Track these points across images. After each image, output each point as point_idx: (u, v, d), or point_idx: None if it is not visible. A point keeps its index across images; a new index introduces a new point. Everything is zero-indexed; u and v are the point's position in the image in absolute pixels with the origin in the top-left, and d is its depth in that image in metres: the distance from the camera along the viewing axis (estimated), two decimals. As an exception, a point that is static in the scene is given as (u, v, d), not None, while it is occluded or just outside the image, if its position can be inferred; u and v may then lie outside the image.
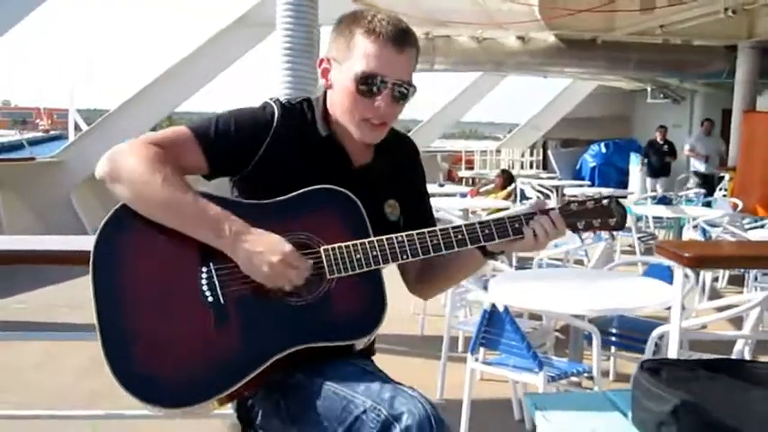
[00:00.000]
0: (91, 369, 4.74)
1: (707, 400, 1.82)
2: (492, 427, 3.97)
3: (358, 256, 1.71)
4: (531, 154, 20.87)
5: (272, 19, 10.33)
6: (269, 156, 1.79)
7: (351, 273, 1.71)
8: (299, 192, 1.75)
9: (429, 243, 1.75)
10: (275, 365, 1.67)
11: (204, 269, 1.68)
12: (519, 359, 3.42)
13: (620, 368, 4.68)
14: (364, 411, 1.58)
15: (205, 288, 1.67)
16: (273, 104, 1.85)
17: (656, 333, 3.44)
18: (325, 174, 1.81)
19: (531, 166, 20.42)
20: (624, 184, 17.45)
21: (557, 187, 12.78)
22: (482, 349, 3.70)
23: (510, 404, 4.14)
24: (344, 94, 1.79)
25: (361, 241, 1.73)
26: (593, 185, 16.47)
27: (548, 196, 11.40)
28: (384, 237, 1.74)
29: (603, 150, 19.71)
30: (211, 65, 10.75)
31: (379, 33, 1.75)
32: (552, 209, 1.83)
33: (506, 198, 9.77)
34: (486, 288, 3.85)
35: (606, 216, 1.84)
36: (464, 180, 16.72)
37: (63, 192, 10.11)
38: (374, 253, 1.72)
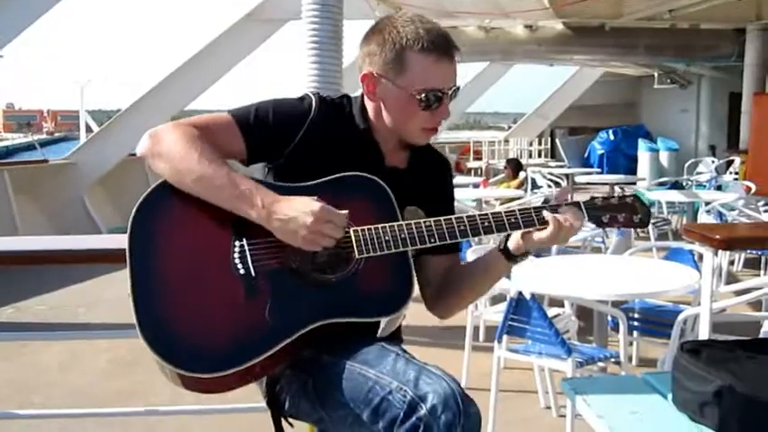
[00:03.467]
0: (115, 369, 4.78)
1: (748, 380, 1.83)
2: (518, 414, 3.98)
3: (387, 237, 1.74)
4: (540, 143, 20.84)
5: (281, 15, 10.46)
6: (305, 143, 1.84)
7: (379, 253, 1.74)
8: (331, 177, 1.80)
9: (456, 228, 1.79)
10: (300, 341, 1.69)
11: (237, 243, 1.72)
12: (546, 346, 3.43)
13: (642, 353, 4.68)
14: (390, 392, 1.59)
15: (237, 261, 1.70)
16: (312, 96, 1.90)
17: (682, 317, 3.43)
18: (358, 166, 1.85)
19: (540, 155, 20.40)
20: (633, 171, 17.43)
21: (566, 175, 12.77)
22: (505, 337, 3.71)
23: (534, 392, 4.15)
24: (402, 109, 1.85)
25: (390, 224, 1.76)
26: (601, 173, 16.45)
27: (558, 184, 11.40)
28: (413, 221, 1.78)
29: (611, 137, 19.69)
30: (220, 62, 10.74)
31: (432, 48, 1.80)
32: (576, 202, 1.87)
33: (519, 187, 9.74)
34: (508, 276, 3.85)
35: (630, 212, 1.89)
36: (473, 171, 16.70)
37: (76, 193, 10.15)
38: (402, 236, 1.75)
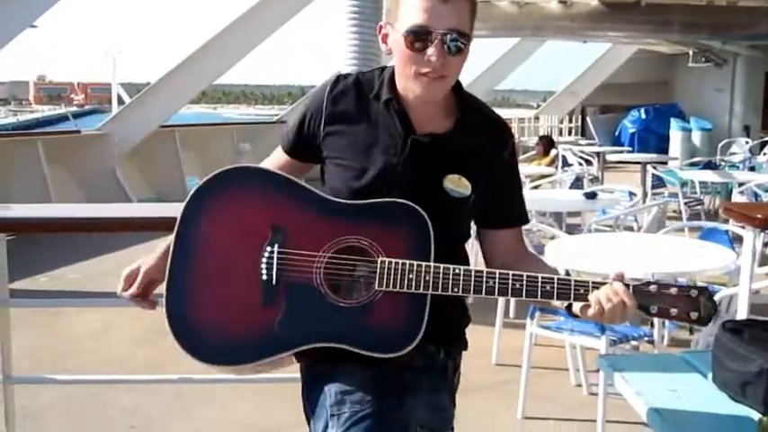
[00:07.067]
0: (146, 336, 4.82)
1: (791, 360, 1.80)
2: (549, 391, 3.97)
3: (411, 276, 1.70)
4: (570, 121, 20.65)
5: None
6: (330, 126, 1.85)
7: (398, 290, 1.70)
8: (378, 200, 1.76)
9: (484, 284, 1.71)
10: (305, 354, 1.75)
11: (269, 249, 1.74)
12: (578, 323, 3.40)
13: (672, 333, 4.65)
14: None
15: (263, 266, 1.74)
16: (333, 77, 1.90)
17: (718, 297, 3.39)
18: (383, 138, 1.81)
19: (570, 133, 20.23)
20: (664, 150, 17.22)
21: (597, 153, 12.64)
22: (537, 314, 3.70)
23: (565, 369, 4.14)
24: (400, 54, 1.78)
25: (418, 263, 1.71)
26: (632, 151, 16.26)
27: (589, 162, 11.30)
28: (442, 265, 1.71)
29: (643, 116, 19.46)
30: (252, 34, 10.67)
31: None
32: (626, 283, 1.64)
33: (550, 164, 9.67)
34: (542, 253, 3.83)
35: (689, 307, 1.63)
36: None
37: (107, 163, 10.26)
38: (427, 278, 1.70)
